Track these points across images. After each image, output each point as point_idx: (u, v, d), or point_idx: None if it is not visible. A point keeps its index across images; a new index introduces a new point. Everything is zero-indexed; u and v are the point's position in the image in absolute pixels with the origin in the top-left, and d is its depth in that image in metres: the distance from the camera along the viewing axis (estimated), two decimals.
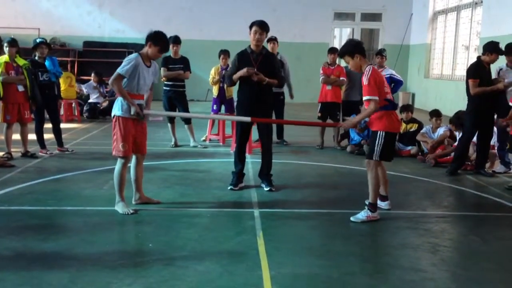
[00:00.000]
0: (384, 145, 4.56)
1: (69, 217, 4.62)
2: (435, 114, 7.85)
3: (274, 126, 7.94)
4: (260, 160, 5.80)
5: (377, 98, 4.46)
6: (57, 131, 7.47)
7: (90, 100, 11.79)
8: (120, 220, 4.48)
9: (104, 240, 3.99)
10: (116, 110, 4.61)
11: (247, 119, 5.32)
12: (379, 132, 4.56)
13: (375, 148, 4.57)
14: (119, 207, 4.61)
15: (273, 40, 8.47)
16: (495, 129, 6.67)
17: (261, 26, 5.44)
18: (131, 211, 4.57)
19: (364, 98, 4.52)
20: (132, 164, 4.86)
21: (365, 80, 4.47)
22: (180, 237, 4.11)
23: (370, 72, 4.49)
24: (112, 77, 4.53)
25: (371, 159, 4.61)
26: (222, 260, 3.66)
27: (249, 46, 5.58)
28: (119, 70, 4.51)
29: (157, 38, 4.58)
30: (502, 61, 6.79)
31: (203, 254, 3.76)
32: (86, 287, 3.16)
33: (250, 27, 5.50)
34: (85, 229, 4.25)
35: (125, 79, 4.54)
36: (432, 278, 3.48)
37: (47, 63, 7.19)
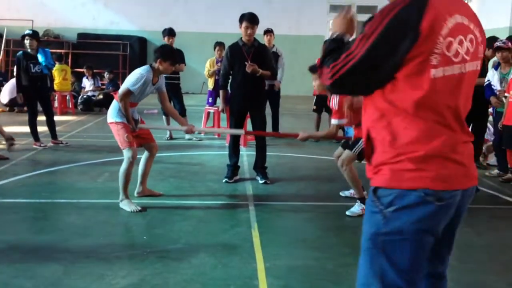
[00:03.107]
0: None
1: (63, 209, 4.59)
2: None
3: (269, 120, 7.91)
4: (255, 153, 5.79)
5: (343, 121, 4.55)
6: (50, 124, 7.44)
7: (85, 95, 11.77)
8: (114, 212, 4.47)
9: (98, 233, 3.98)
10: (113, 117, 4.57)
11: (241, 131, 5.37)
12: None
13: (359, 144, 4.55)
14: (125, 205, 4.53)
15: (269, 32, 8.45)
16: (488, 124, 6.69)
17: (251, 21, 5.42)
18: (139, 208, 4.48)
19: (333, 121, 4.56)
20: (143, 156, 4.83)
21: (334, 105, 4.51)
22: (175, 230, 4.10)
23: (338, 97, 4.51)
24: (122, 92, 4.49)
25: (350, 151, 4.59)
26: (216, 253, 3.66)
27: (241, 38, 5.57)
28: (129, 86, 4.47)
29: (165, 54, 4.61)
30: None
31: (198, 247, 3.76)
32: (80, 279, 3.15)
33: (240, 21, 5.48)
34: (79, 221, 4.23)
35: None
36: None
37: (39, 55, 7.14)
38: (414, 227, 1.65)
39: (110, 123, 4.61)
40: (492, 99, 6.07)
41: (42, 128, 7.55)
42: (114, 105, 4.60)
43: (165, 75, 7.81)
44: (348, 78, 1.64)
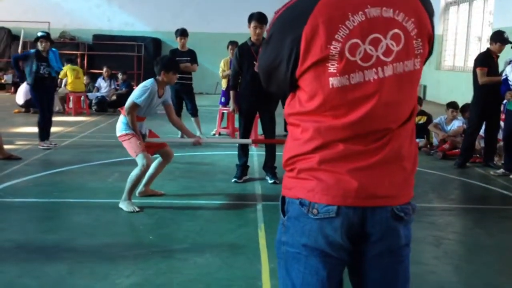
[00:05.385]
0: None
1: (72, 209, 4.62)
2: (452, 106, 7.75)
3: (281, 120, 7.88)
4: (265, 153, 5.77)
5: None
6: (48, 125, 7.26)
7: (99, 94, 11.86)
8: (122, 212, 4.47)
9: (105, 232, 4.00)
10: (121, 130, 4.57)
11: (248, 141, 5.35)
12: None
13: None
14: (125, 205, 4.52)
15: None
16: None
17: (260, 21, 5.40)
18: (137, 209, 4.48)
19: None
20: (157, 160, 4.84)
21: None
22: (182, 230, 4.11)
23: None
24: (128, 105, 4.50)
25: None
26: (222, 253, 3.65)
27: (249, 38, 5.56)
28: (135, 99, 4.49)
29: (166, 65, 4.62)
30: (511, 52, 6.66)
31: (204, 247, 3.75)
32: (84, 278, 3.17)
33: (249, 20, 5.47)
34: (87, 221, 4.25)
35: None
36: (434, 271, 3.44)
37: (50, 57, 7.18)
38: (299, 240, 1.48)
39: (120, 136, 4.60)
40: (507, 95, 5.98)
41: (54, 129, 7.59)
42: (122, 119, 4.61)
43: (178, 75, 7.97)
44: (264, 80, 1.56)
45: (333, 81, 1.38)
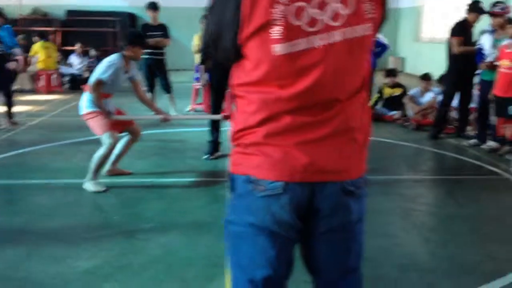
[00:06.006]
0: None
1: (34, 191, 4.46)
2: (424, 77, 7.77)
3: None
4: None
5: None
6: (9, 104, 7.00)
7: (72, 71, 11.58)
8: (87, 193, 4.34)
9: (68, 214, 3.88)
10: (86, 108, 4.41)
11: (218, 117, 5.25)
12: None
13: None
14: (90, 185, 4.38)
15: None
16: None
17: None
18: (103, 188, 4.37)
19: None
20: (125, 138, 4.72)
21: None
22: (148, 209, 4.01)
23: None
24: (93, 83, 4.32)
25: None
26: (188, 231, 3.57)
27: None
28: (100, 75, 4.32)
29: (132, 39, 4.49)
30: (486, 22, 6.57)
31: (169, 226, 3.67)
32: (40, 262, 3.06)
33: None
34: (49, 203, 4.12)
35: None
36: (400, 243, 3.40)
37: (1, 33, 6.89)
38: (246, 219, 1.42)
39: (84, 114, 4.44)
40: (482, 65, 5.93)
41: (23, 108, 7.37)
42: (87, 97, 4.43)
43: (149, 50, 7.79)
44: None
45: (277, 48, 1.30)
